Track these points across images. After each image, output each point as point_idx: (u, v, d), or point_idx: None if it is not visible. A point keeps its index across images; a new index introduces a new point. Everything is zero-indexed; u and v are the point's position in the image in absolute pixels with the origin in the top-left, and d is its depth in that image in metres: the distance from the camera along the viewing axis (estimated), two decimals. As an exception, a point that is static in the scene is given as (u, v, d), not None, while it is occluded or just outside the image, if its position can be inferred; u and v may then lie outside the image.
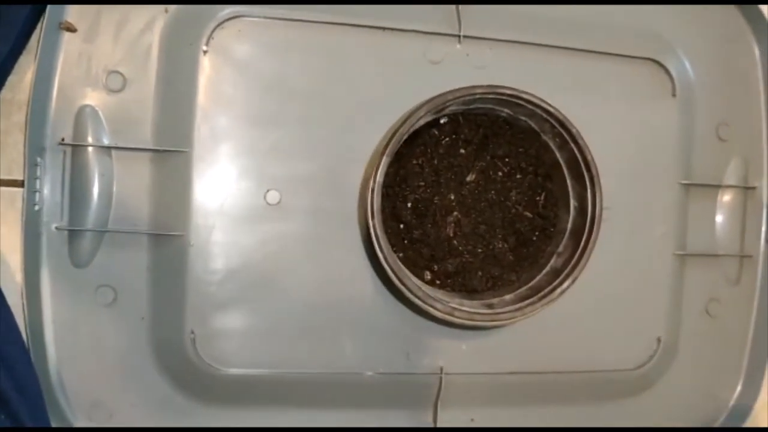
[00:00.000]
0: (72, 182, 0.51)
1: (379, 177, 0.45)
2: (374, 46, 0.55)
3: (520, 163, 0.53)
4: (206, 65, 0.52)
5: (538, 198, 0.53)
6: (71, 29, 0.50)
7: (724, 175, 0.63)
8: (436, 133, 0.51)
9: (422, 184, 0.51)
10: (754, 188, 0.63)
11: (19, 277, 0.49)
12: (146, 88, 0.52)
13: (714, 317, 0.62)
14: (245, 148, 0.53)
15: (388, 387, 0.56)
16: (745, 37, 0.64)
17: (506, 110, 0.51)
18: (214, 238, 0.52)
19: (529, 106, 0.48)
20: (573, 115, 0.50)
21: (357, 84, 0.55)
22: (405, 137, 0.47)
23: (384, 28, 0.55)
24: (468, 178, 0.52)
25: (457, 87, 0.48)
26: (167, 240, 0.52)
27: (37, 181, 0.50)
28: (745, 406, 0.63)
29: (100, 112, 0.51)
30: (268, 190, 0.53)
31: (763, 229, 0.64)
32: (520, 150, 0.53)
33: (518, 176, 0.53)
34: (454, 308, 0.46)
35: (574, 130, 0.48)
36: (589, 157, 0.49)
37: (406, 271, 0.46)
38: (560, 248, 0.51)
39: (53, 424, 0.49)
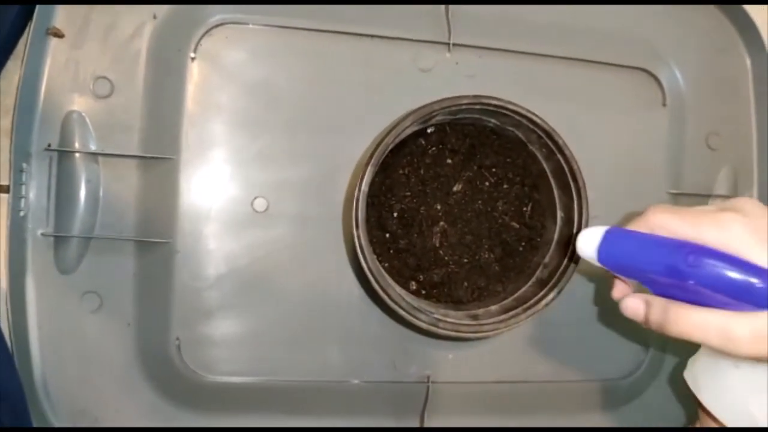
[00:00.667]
0: (58, 188, 0.50)
1: (365, 186, 0.45)
2: (363, 53, 0.55)
3: (507, 173, 0.53)
4: (194, 72, 0.52)
5: (524, 208, 0.53)
6: (59, 35, 0.50)
7: (714, 185, 0.63)
8: (423, 142, 0.51)
9: (408, 193, 0.51)
10: (743, 198, 0.63)
11: (3, 283, 0.49)
12: (134, 94, 0.52)
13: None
14: (233, 156, 0.53)
15: (375, 395, 0.56)
16: (736, 47, 0.64)
17: (493, 120, 0.51)
18: (200, 245, 0.52)
19: (516, 117, 0.48)
20: (562, 124, 0.49)
21: (346, 92, 0.55)
22: (391, 147, 0.46)
23: (373, 36, 0.55)
24: (454, 188, 0.52)
25: (447, 95, 0.47)
26: (154, 247, 0.51)
27: (23, 187, 0.50)
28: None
29: (87, 118, 0.51)
30: (255, 198, 0.53)
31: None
32: (507, 160, 0.53)
33: (505, 186, 0.53)
34: (438, 319, 0.46)
35: (560, 141, 0.48)
36: (575, 168, 0.48)
37: (391, 281, 0.46)
38: (546, 259, 0.51)
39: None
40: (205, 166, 0.52)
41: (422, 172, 0.51)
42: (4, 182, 0.50)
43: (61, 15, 0.50)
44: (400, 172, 0.51)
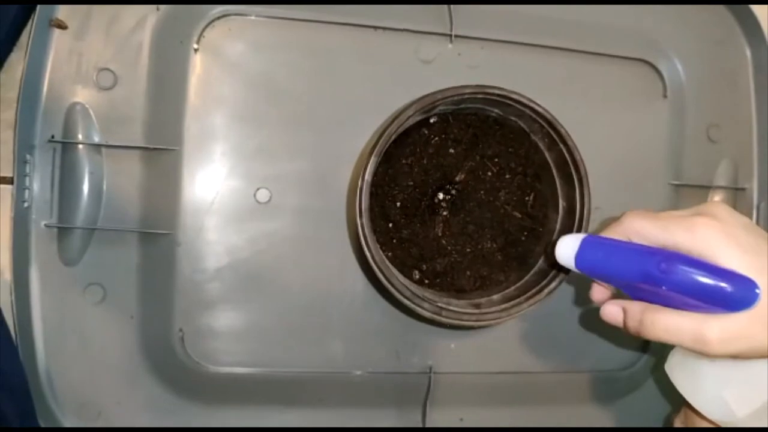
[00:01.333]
0: (62, 180, 0.50)
1: (368, 176, 0.45)
2: (366, 45, 0.55)
3: (509, 163, 0.53)
4: (197, 63, 0.52)
5: (527, 198, 0.53)
6: (62, 26, 0.50)
7: (715, 177, 0.63)
8: (426, 132, 0.51)
9: (411, 183, 0.51)
10: (743, 189, 0.63)
11: (8, 274, 0.49)
12: (137, 85, 0.52)
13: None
14: (235, 147, 0.53)
15: (378, 386, 0.56)
16: (736, 39, 0.64)
17: (496, 110, 0.51)
18: (203, 237, 0.52)
19: (518, 107, 0.48)
20: (564, 116, 0.50)
21: (348, 83, 0.55)
22: (394, 137, 0.47)
23: (375, 27, 0.55)
24: (457, 178, 0.52)
25: (448, 86, 0.47)
26: (157, 238, 0.52)
27: (27, 179, 0.50)
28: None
29: (91, 110, 0.51)
30: (258, 189, 0.53)
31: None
32: (510, 150, 0.53)
33: (507, 176, 0.53)
34: (442, 308, 0.46)
35: (562, 131, 0.48)
36: (578, 158, 0.49)
37: (394, 271, 0.46)
38: (549, 249, 0.51)
39: (41, 423, 0.49)
40: (208, 157, 0.52)
41: (425, 161, 0.51)
42: (8, 174, 0.50)
43: (63, 6, 0.50)
44: (403, 161, 0.51)
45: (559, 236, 0.51)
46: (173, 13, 0.52)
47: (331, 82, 0.54)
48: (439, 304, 0.46)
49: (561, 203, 0.51)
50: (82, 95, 0.51)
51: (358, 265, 0.54)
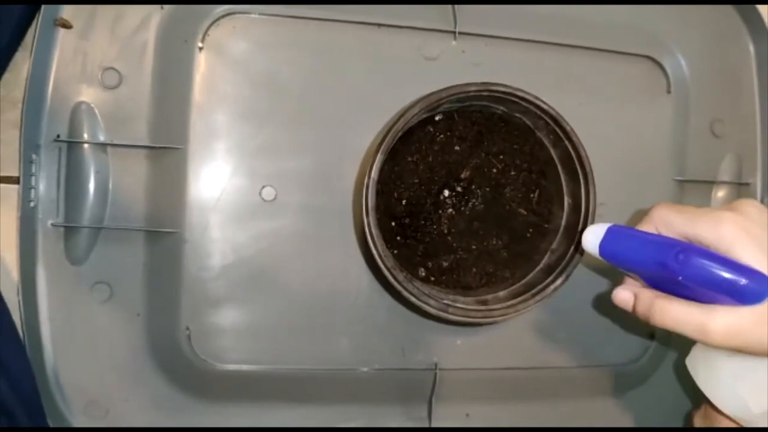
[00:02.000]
0: (68, 179, 0.51)
1: (374, 174, 0.45)
2: (370, 42, 0.55)
3: (514, 159, 0.53)
4: (201, 62, 0.53)
5: (532, 195, 0.53)
6: (66, 25, 0.50)
7: (718, 172, 0.63)
8: (431, 129, 0.51)
9: (417, 181, 0.51)
10: (747, 184, 0.63)
11: (15, 274, 0.50)
12: (142, 84, 0.52)
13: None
14: (240, 145, 0.53)
15: (383, 383, 0.56)
16: (740, 35, 0.64)
17: (501, 107, 0.51)
18: (209, 235, 0.52)
19: (523, 103, 0.48)
20: (568, 112, 0.50)
21: (352, 80, 0.55)
22: (400, 134, 0.47)
23: (379, 25, 0.55)
24: (462, 175, 0.52)
25: (452, 83, 0.48)
26: (162, 237, 0.52)
27: (33, 178, 0.50)
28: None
29: (96, 109, 0.51)
30: (263, 187, 0.53)
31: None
32: (515, 147, 0.53)
33: (512, 173, 0.53)
34: (448, 305, 0.46)
35: (568, 127, 0.49)
36: (583, 154, 0.49)
37: (400, 268, 0.46)
38: (554, 245, 0.52)
39: (49, 421, 0.49)
40: (213, 155, 0.52)
41: (430, 159, 0.51)
42: (14, 173, 0.50)
43: (68, 6, 0.50)
44: (409, 159, 0.51)
45: (564, 232, 0.52)
46: (177, 12, 0.52)
47: (335, 79, 0.55)
48: (446, 301, 0.46)
49: (566, 200, 0.51)
50: (87, 94, 0.51)
51: (364, 262, 0.54)
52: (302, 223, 0.54)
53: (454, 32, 0.56)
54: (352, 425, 0.56)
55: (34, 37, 0.49)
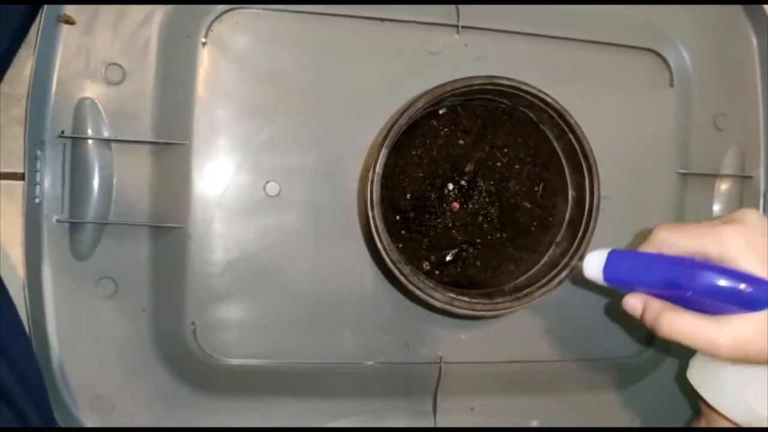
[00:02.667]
0: (72, 175, 0.51)
1: (379, 168, 0.45)
2: (373, 37, 0.55)
3: (518, 153, 0.53)
4: (205, 57, 0.53)
5: (536, 188, 0.53)
6: (70, 21, 0.50)
7: (722, 165, 0.63)
8: (435, 123, 0.52)
9: (421, 174, 0.51)
10: (751, 177, 0.63)
11: (20, 270, 0.50)
12: (145, 80, 0.52)
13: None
14: (244, 140, 0.53)
15: (388, 376, 0.56)
16: (743, 28, 0.64)
17: (505, 101, 0.51)
18: (213, 230, 0.52)
19: (528, 97, 0.48)
20: (571, 105, 0.50)
21: (356, 75, 0.55)
22: (404, 128, 0.47)
23: (382, 19, 0.55)
24: (467, 169, 0.52)
25: (456, 78, 0.48)
26: (167, 232, 0.52)
27: (38, 174, 0.50)
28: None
29: (100, 105, 0.51)
30: (267, 182, 0.53)
31: (760, 218, 0.64)
32: (519, 140, 0.53)
33: (516, 166, 0.53)
34: (453, 298, 0.46)
35: (571, 121, 0.49)
36: (587, 147, 0.49)
37: (405, 262, 0.46)
38: (558, 238, 0.52)
39: (56, 416, 0.49)
40: (217, 151, 0.53)
41: (434, 153, 0.51)
42: (19, 170, 0.50)
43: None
44: (413, 153, 0.51)
45: (568, 226, 0.52)
46: (181, 8, 0.52)
47: (338, 74, 0.54)
48: (451, 295, 0.46)
49: (570, 193, 0.51)
50: (91, 90, 0.51)
51: (369, 256, 0.54)
52: (307, 218, 0.54)
53: (457, 26, 0.56)
54: (357, 419, 0.56)
55: (37, 33, 0.49)
